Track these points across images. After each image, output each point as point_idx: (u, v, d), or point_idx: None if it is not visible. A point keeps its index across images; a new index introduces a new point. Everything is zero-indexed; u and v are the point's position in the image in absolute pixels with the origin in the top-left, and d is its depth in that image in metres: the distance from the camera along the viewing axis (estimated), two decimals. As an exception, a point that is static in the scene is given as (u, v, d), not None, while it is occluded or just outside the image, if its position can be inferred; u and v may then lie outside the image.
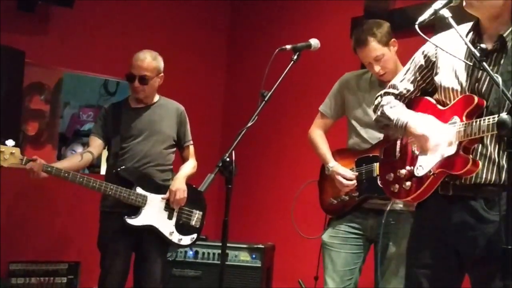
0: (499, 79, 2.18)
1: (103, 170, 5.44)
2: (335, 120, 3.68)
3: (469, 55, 2.35)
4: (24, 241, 5.19)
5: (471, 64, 2.34)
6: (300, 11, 5.69)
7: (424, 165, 2.44)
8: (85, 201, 4.83)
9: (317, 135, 3.67)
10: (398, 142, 2.63)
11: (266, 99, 2.81)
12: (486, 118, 2.25)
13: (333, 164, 3.50)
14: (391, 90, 2.65)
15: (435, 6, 2.32)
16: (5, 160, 3.51)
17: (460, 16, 2.41)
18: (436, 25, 3.33)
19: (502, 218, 2.26)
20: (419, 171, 2.45)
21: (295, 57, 2.96)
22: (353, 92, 3.57)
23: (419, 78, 2.58)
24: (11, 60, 4.70)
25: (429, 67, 2.55)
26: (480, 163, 2.32)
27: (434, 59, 2.53)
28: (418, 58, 2.60)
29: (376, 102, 2.70)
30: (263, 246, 4.75)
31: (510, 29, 2.35)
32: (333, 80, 3.71)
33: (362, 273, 3.52)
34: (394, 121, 2.54)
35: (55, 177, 3.64)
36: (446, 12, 2.31)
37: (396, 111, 2.58)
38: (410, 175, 2.49)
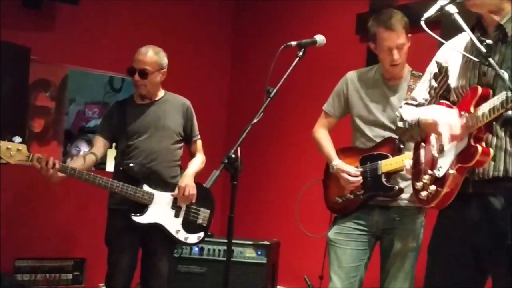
0: (505, 75, 2.18)
1: (108, 167, 5.45)
2: (339, 119, 3.67)
3: (476, 51, 2.35)
4: (30, 237, 5.20)
5: (478, 60, 2.34)
6: (305, 7, 5.68)
7: (443, 164, 2.42)
8: (91, 198, 4.84)
9: (321, 134, 3.66)
10: (422, 150, 2.62)
11: (271, 96, 2.81)
12: (488, 103, 2.25)
13: (337, 162, 3.49)
14: (410, 101, 2.69)
15: (441, 2, 2.32)
16: (12, 157, 3.52)
17: (465, 11, 2.40)
18: (442, 21, 3.35)
19: None
20: (440, 172, 2.43)
21: (301, 53, 2.95)
22: (356, 90, 3.56)
23: (435, 85, 2.60)
24: (17, 57, 4.72)
25: (443, 73, 2.57)
26: (496, 155, 2.30)
27: (446, 65, 2.55)
28: (431, 67, 2.63)
29: (397, 113, 2.72)
30: (268, 243, 4.75)
31: (507, 16, 2.36)
32: (338, 77, 3.70)
33: (367, 269, 3.52)
34: (409, 121, 2.57)
35: (61, 173, 3.64)
36: (452, 8, 2.31)
37: (409, 112, 2.60)
38: (433, 179, 2.46)
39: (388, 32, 3.34)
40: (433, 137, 2.54)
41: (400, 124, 2.66)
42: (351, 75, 3.62)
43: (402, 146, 3.38)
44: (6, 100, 4.53)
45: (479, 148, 2.27)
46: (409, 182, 3.39)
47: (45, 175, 3.61)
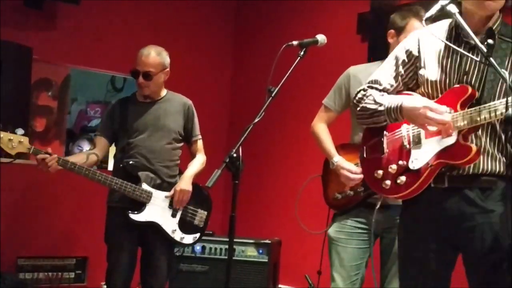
0: (506, 74, 2.21)
1: (110, 166, 5.46)
2: (339, 114, 3.63)
3: (475, 50, 2.35)
4: (32, 236, 5.22)
5: (478, 60, 2.35)
6: (307, 7, 5.69)
7: (420, 157, 2.43)
8: (93, 197, 4.85)
9: (321, 129, 3.62)
10: (385, 139, 2.61)
11: (273, 95, 2.81)
12: (487, 105, 2.27)
13: (338, 159, 3.47)
14: (374, 85, 2.64)
15: (442, 2, 2.33)
16: (13, 148, 3.52)
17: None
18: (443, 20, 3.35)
19: (509, 211, 2.29)
20: (415, 164, 2.43)
21: (302, 53, 2.96)
22: (359, 85, 3.51)
23: (402, 73, 2.58)
24: (19, 56, 4.72)
25: (412, 61, 2.55)
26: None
27: (416, 54, 2.54)
28: (400, 54, 2.60)
29: (359, 95, 2.67)
30: (269, 242, 4.76)
31: (498, 21, 2.39)
32: (339, 76, 3.71)
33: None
34: (387, 105, 2.51)
35: (61, 167, 3.64)
36: (453, 8, 2.32)
37: (387, 97, 2.56)
38: (403, 170, 2.46)
39: (421, 25, 3.30)
40: (404, 127, 2.54)
41: (371, 106, 2.58)
42: (353, 70, 3.60)
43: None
44: (8, 99, 4.53)
45: (474, 148, 2.30)
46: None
47: (44, 170, 3.61)
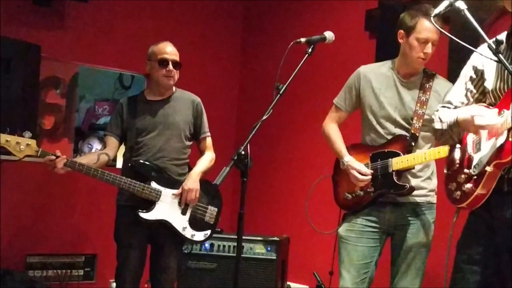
0: None
1: (119, 164, 5.47)
2: (349, 114, 3.64)
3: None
4: (41, 234, 5.24)
5: (489, 57, 2.34)
6: (315, 4, 5.68)
7: (479, 162, 2.42)
8: (102, 195, 4.87)
9: (332, 128, 3.63)
10: (457, 151, 2.62)
11: (281, 92, 2.82)
12: None
13: (349, 159, 3.48)
14: (447, 105, 2.67)
15: (451, -2, 2.33)
16: (21, 151, 3.53)
17: (474, 7, 2.41)
18: (451, 17, 3.34)
19: None
20: (475, 169, 2.43)
21: (310, 50, 2.96)
22: (369, 85, 3.52)
23: (472, 89, 2.60)
24: (27, 54, 4.72)
25: (479, 76, 2.57)
26: None
27: (481, 68, 2.56)
28: (467, 71, 2.63)
29: (434, 116, 2.71)
30: (278, 239, 4.76)
31: None
32: (347, 73, 3.69)
33: (378, 265, 3.52)
34: (448, 122, 2.55)
35: (69, 168, 3.65)
36: (461, 4, 2.31)
37: (447, 113, 2.60)
38: (469, 177, 2.45)
39: (431, 24, 3.27)
40: (469, 137, 2.54)
41: (438, 125, 2.64)
42: (364, 69, 3.59)
43: (413, 144, 3.37)
44: (17, 97, 4.54)
45: None
46: (420, 179, 3.41)
47: (52, 171, 3.63)
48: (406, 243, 3.40)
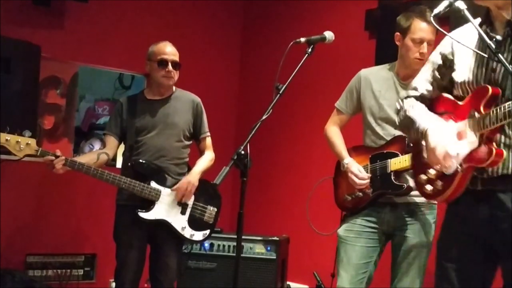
0: None
1: (118, 164, 5.47)
2: (351, 116, 3.67)
3: (485, 47, 2.34)
4: (41, 233, 5.24)
5: (486, 56, 2.33)
6: (315, 4, 5.68)
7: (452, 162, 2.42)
8: (101, 194, 4.87)
9: (333, 131, 3.66)
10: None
11: (280, 92, 2.82)
12: (502, 106, 2.24)
13: (348, 161, 3.50)
14: (412, 93, 2.66)
15: (450, -2, 2.32)
16: (21, 150, 3.53)
17: (474, 7, 2.40)
18: (451, 17, 3.35)
19: None
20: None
21: (310, 50, 2.97)
22: (369, 87, 3.55)
23: (438, 77, 2.59)
24: (27, 54, 4.73)
25: (447, 65, 2.55)
26: (505, 153, 2.30)
27: (451, 57, 2.53)
28: (435, 58, 2.61)
29: (398, 106, 2.71)
30: (278, 239, 4.76)
31: None
32: (347, 73, 3.71)
33: (378, 266, 3.52)
34: (417, 125, 2.54)
35: (69, 168, 3.66)
36: (461, 4, 2.31)
37: (420, 114, 2.57)
38: (441, 175, 2.46)
39: (425, 24, 3.33)
40: None
41: (405, 120, 2.63)
42: (364, 72, 3.61)
43: (411, 145, 3.38)
44: (17, 97, 4.55)
45: (494, 151, 2.28)
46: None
47: (52, 170, 3.63)
48: (406, 244, 3.41)
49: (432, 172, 2.50)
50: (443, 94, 2.57)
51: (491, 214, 2.37)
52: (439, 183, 2.47)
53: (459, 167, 2.36)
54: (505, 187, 2.35)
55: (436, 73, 2.59)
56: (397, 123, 2.76)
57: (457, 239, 2.48)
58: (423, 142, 2.52)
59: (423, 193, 2.59)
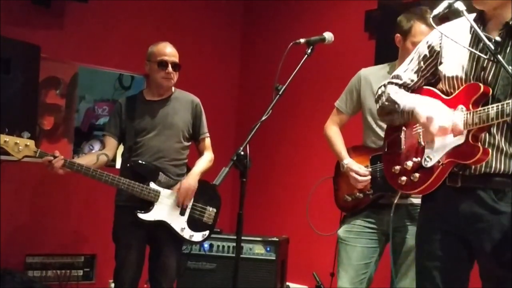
0: None
1: (117, 164, 5.47)
2: (350, 116, 3.66)
3: (483, 47, 2.34)
4: (40, 234, 5.24)
5: (486, 57, 2.33)
6: (314, 4, 5.68)
7: (432, 155, 2.44)
8: (101, 195, 4.86)
9: (333, 131, 3.65)
10: (402, 134, 2.63)
11: (280, 93, 2.82)
12: (495, 105, 2.25)
13: (348, 161, 3.49)
14: (394, 80, 2.65)
15: (449, -1, 2.33)
16: (20, 152, 3.53)
17: (473, 8, 2.41)
18: (450, 18, 3.34)
19: None
20: (427, 162, 2.45)
21: (309, 50, 2.96)
22: (369, 87, 3.54)
23: (423, 68, 2.58)
24: (27, 55, 4.73)
25: (433, 57, 2.55)
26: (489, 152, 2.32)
27: (438, 49, 2.53)
28: (422, 48, 2.60)
29: (379, 92, 2.70)
30: (277, 239, 4.76)
31: None
32: (347, 74, 3.70)
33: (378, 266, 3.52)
34: (402, 106, 2.54)
35: (68, 169, 3.65)
36: (460, 5, 2.31)
37: (403, 96, 2.57)
38: (418, 167, 2.49)
39: (426, 27, 3.30)
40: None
41: (387, 104, 2.62)
42: (364, 72, 3.60)
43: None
44: (17, 97, 4.55)
45: (481, 148, 2.29)
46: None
47: (51, 171, 3.63)
48: (406, 245, 3.41)
49: (408, 163, 2.51)
50: (427, 87, 2.57)
51: (471, 211, 2.37)
52: (417, 175, 2.48)
53: (441, 162, 2.38)
54: (485, 185, 2.36)
55: (422, 64, 2.58)
56: (377, 112, 2.75)
57: (437, 237, 2.48)
58: (414, 125, 2.52)
59: (396, 184, 2.58)
